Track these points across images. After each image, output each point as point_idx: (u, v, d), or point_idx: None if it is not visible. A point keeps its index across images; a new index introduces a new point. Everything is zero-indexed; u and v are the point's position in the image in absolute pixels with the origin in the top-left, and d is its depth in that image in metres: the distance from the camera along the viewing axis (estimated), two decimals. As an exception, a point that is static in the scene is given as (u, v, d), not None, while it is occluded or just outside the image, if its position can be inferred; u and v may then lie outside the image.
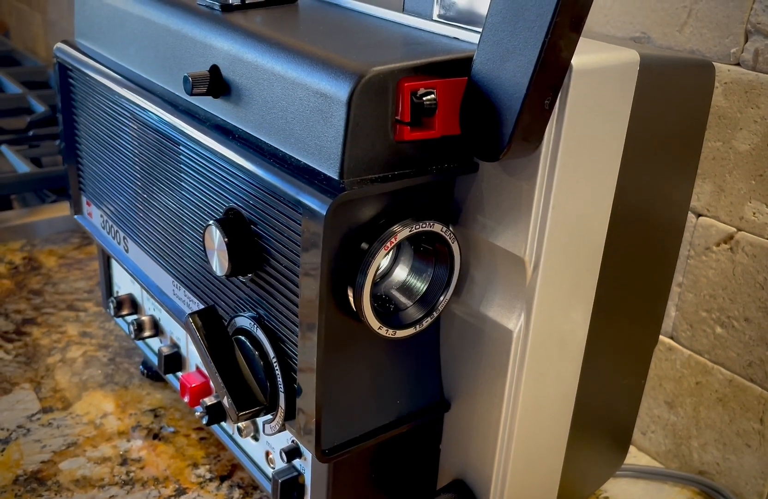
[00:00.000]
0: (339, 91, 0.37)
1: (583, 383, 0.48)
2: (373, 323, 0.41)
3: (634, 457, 0.65)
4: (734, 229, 0.56)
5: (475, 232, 0.43)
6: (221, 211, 0.47)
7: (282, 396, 0.44)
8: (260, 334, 0.45)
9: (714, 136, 0.55)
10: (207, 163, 0.48)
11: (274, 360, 0.44)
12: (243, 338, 0.46)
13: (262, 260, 0.44)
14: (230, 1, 0.50)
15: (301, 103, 0.40)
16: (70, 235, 1.05)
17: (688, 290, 0.59)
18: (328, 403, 0.42)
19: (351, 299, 0.41)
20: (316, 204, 0.37)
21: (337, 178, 0.38)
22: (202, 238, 0.46)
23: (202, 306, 0.53)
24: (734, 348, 0.57)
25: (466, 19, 0.43)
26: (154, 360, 0.69)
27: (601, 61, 0.38)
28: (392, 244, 0.40)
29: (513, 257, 0.41)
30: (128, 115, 0.56)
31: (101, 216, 0.67)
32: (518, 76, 0.35)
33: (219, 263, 0.45)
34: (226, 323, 0.48)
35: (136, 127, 0.56)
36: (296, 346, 0.42)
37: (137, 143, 0.56)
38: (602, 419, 0.54)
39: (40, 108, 1.33)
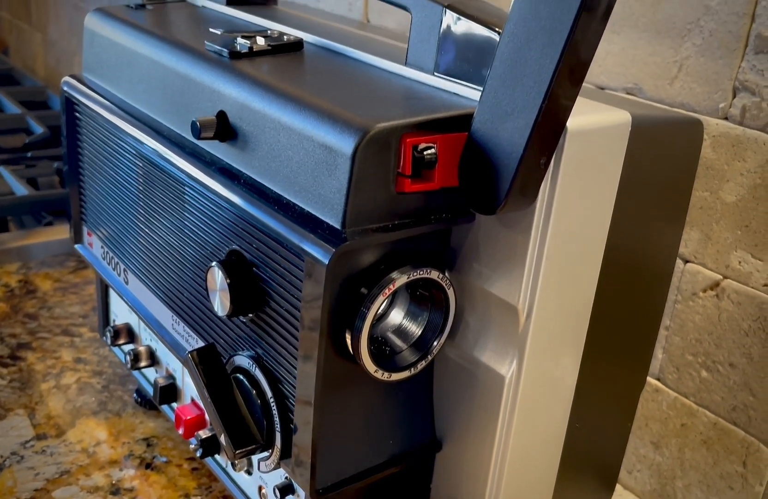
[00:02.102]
0: (344, 145, 0.39)
1: (571, 425, 0.49)
2: (370, 366, 0.42)
3: (620, 495, 0.67)
4: (720, 277, 0.57)
5: (470, 279, 0.45)
6: (223, 252, 0.48)
7: (278, 435, 0.45)
8: (258, 374, 0.46)
9: (702, 186, 0.57)
10: (211, 205, 0.49)
11: (272, 400, 0.45)
12: (241, 376, 0.47)
13: (262, 301, 0.45)
14: (238, 49, 0.51)
15: (306, 153, 0.41)
16: (66, 258, 1.06)
17: (675, 333, 0.61)
18: (324, 443, 0.43)
19: (349, 343, 0.42)
20: (319, 253, 0.38)
21: (339, 228, 0.39)
22: (205, 278, 0.47)
23: (200, 342, 0.54)
24: (719, 392, 0.59)
25: (466, 75, 0.44)
26: (149, 389, 0.70)
27: (594, 123, 0.40)
28: (390, 291, 0.41)
29: (506, 304, 0.43)
30: (134, 152, 0.58)
31: (102, 247, 0.68)
32: (515, 138, 0.36)
33: (221, 303, 0.46)
34: (224, 361, 0.49)
35: (141, 165, 0.57)
36: (293, 387, 0.44)
37: (142, 180, 0.57)
38: (590, 459, 0.55)
39: (38, 129, 1.34)
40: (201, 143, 0.50)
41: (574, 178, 0.40)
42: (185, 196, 0.52)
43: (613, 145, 0.42)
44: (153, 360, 0.68)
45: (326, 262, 0.38)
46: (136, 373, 0.72)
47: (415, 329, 0.45)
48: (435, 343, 0.45)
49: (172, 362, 0.65)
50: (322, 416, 0.42)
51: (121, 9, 0.66)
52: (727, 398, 0.58)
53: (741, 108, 0.55)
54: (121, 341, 0.72)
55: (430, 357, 0.45)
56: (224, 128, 0.48)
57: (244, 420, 0.46)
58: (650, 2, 0.59)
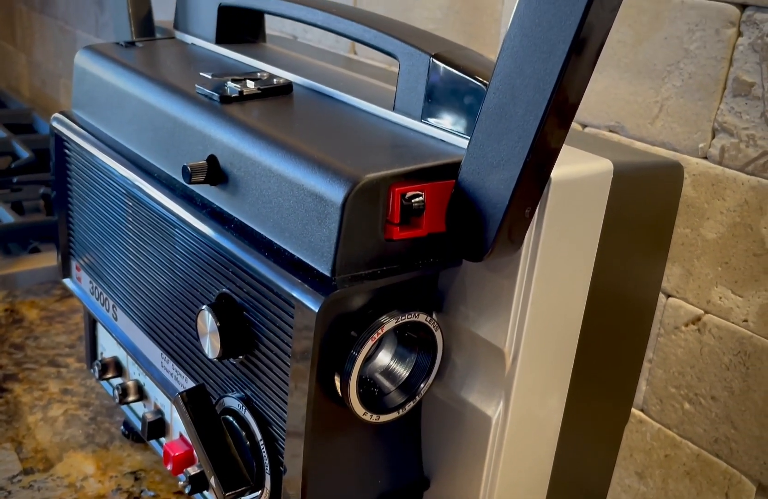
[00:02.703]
0: (334, 194, 0.39)
1: (557, 461, 0.50)
2: (359, 409, 0.43)
3: (607, 525, 0.67)
4: (702, 312, 0.59)
5: (457, 321, 0.46)
6: (213, 294, 0.49)
7: (268, 477, 0.45)
8: (248, 416, 0.46)
9: (683, 223, 0.59)
10: (202, 248, 0.49)
11: (261, 442, 0.45)
12: (231, 418, 0.47)
13: (252, 344, 0.46)
14: (229, 93, 0.52)
15: (296, 201, 0.42)
16: (52, 286, 1.06)
17: (658, 366, 0.62)
18: (313, 485, 0.44)
19: (338, 386, 0.42)
20: (309, 301, 0.39)
21: (329, 275, 0.40)
22: (195, 321, 0.48)
23: (190, 381, 0.54)
24: (701, 424, 0.60)
25: (453, 123, 0.45)
26: (136, 422, 0.70)
27: (577, 173, 0.41)
28: (379, 335, 0.42)
29: (493, 347, 0.43)
30: (125, 191, 0.58)
31: (91, 282, 0.68)
32: (501, 189, 0.37)
33: (211, 346, 0.47)
34: (214, 402, 0.50)
35: (131, 204, 0.57)
36: (283, 429, 0.44)
37: (132, 218, 0.58)
38: (576, 493, 0.56)
39: (24, 153, 1.33)
40: (192, 186, 0.51)
41: (558, 226, 0.41)
42: (175, 237, 0.52)
43: (596, 193, 0.43)
44: (141, 395, 0.68)
45: (316, 309, 0.38)
46: (124, 407, 0.72)
47: (403, 371, 0.46)
48: (422, 385, 0.45)
49: (160, 397, 0.66)
50: (311, 458, 0.43)
51: (111, 47, 0.67)
52: (709, 430, 0.59)
53: (720, 148, 0.56)
54: (109, 375, 0.72)
55: (417, 398, 0.46)
56: (215, 173, 0.48)
57: (234, 461, 0.46)
58: (631, 44, 0.60)
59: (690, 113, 0.58)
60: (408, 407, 0.45)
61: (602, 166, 0.43)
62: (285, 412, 0.43)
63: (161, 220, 0.54)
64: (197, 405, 0.48)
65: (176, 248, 0.52)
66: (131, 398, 0.68)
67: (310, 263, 0.41)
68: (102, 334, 0.74)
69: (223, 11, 0.66)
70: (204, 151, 0.50)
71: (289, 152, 0.43)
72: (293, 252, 0.43)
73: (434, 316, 0.45)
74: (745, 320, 0.56)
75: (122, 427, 0.77)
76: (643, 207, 0.48)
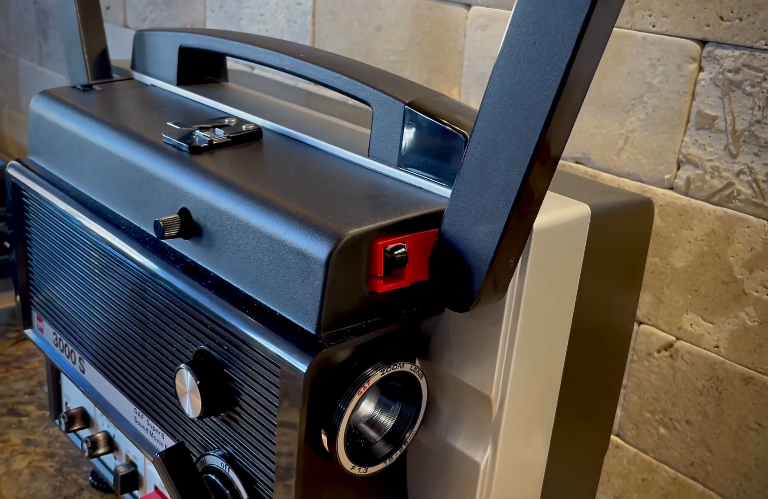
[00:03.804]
0: (317, 252, 0.39)
1: (544, 494, 0.51)
2: (347, 464, 0.42)
3: (587, 550, 0.68)
4: (673, 338, 0.60)
5: (441, 367, 0.46)
6: (190, 350, 0.48)
7: (257, 538, 0.44)
8: (232, 474, 0.45)
9: (652, 252, 0.60)
10: (177, 304, 0.48)
11: (249, 502, 0.44)
12: (214, 477, 0.46)
13: (233, 401, 0.45)
14: (198, 143, 0.51)
15: (277, 257, 0.41)
16: (7, 329, 1.02)
17: (632, 391, 0.63)
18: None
19: (325, 442, 0.42)
20: (297, 361, 0.38)
21: (314, 333, 0.40)
22: (173, 379, 0.47)
23: (166, 436, 0.53)
24: (677, 448, 0.61)
25: (430, 170, 0.45)
26: (105, 473, 0.68)
27: (557, 219, 0.42)
28: (365, 389, 0.42)
29: (479, 394, 0.43)
30: (89, 243, 0.56)
31: (54, 333, 0.66)
32: (486, 242, 0.38)
33: (191, 405, 0.46)
34: (195, 460, 0.48)
35: (97, 256, 0.56)
36: (270, 488, 0.43)
37: (99, 271, 0.56)
38: (560, 526, 0.56)
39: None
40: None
41: (541, 272, 0.42)
42: (147, 291, 0.51)
43: (575, 238, 0.43)
44: (111, 446, 0.67)
45: (304, 370, 0.38)
46: (94, 460, 0.70)
47: (388, 420, 0.46)
48: (408, 434, 0.45)
49: (131, 449, 0.64)
50: (302, 518, 0.42)
51: (68, 91, 0.65)
52: (685, 453, 0.60)
53: (686, 179, 0.57)
54: (76, 427, 0.70)
55: (404, 447, 0.45)
56: (188, 226, 0.47)
57: (220, 522, 0.45)
58: (595, 78, 0.61)
59: (655, 145, 0.59)
60: (395, 456, 0.45)
61: (580, 210, 0.43)
62: (271, 469, 0.43)
63: (131, 274, 0.52)
64: (177, 465, 0.47)
65: (148, 303, 0.51)
66: (101, 450, 0.66)
67: (294, 321, 0.41)
68: (66, 383, 0.72)
69: (184, 53, 0.65)
70: (175, 203, 0.48)
71: (267, 207, 0.43)
72: (275, 309, 0.42)
73: (417, 363, 0.45)
74: (717, 346, 0.57)
75: (90, 477, 0.75)
76: (618, 243, 0.49)
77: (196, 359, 0.47)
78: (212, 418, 0.47)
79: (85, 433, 0.71)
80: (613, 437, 0.65)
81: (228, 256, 0.45)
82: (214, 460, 0.47)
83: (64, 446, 0.80)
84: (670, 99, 0.58)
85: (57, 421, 0.74)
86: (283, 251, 0.41)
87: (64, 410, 0.72)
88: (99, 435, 0.66)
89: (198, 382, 0.45)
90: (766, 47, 0.52)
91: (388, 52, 0.80)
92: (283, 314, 0.42)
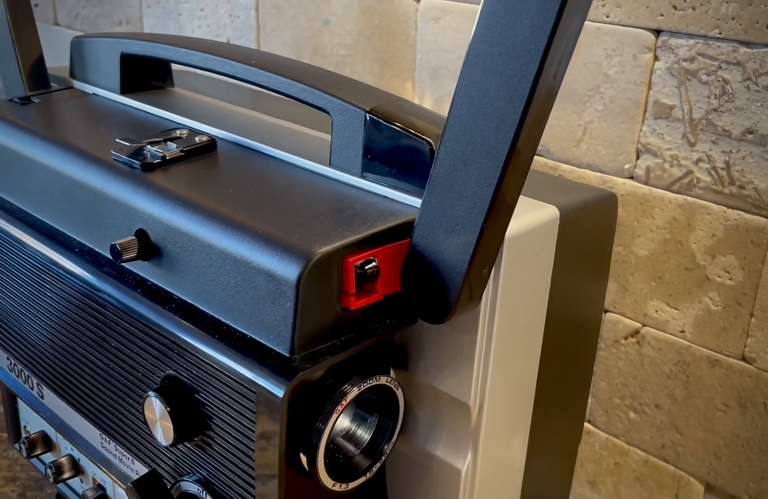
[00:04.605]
0: (286, 273, 0.38)
1: (524, 493, 0.51)
2: (327, 482, 0.42)
3: (562, 535, 0.69)
4: (639, 325, 0.61)
5: (416, 376, 0.45)
6: (156, 376, 0.46)
7: (239, 564, 0.43)
8: (210, 500, 0.44)
9: (616, 242, 0.60)
10: (139, 331, 0.47)
11: (229, 529, 0.44)
12: (191, 503, 0.45)
13: (206, 426, 0.44)
14: (150, 159, 0.49)
15: (244, 279, 0.40)
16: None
17: (601, 378, 0.64)
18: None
19: (304, 462, 0.41)
20: (273, 387, 0.38)
21: (287, 355, 0.39)
22: (141, 408, 0.45)
23: (136, 461, 0.51)
24: (647, 432, 0.62)
25: (394, 179, 0.45)
26: (72, 497, 0.66)
27: (527, 224, 0.42)
28: (343, 407, 0.41)
29: (458, 402, 0.43)
30: (40, 266, 0.54)
31: (8, 359, 0.64)
32: (459, 253, 0.37)
33: (163, 433, 0.44)
34: (169, 487, 0.47)
35: (50, 280, 0.54)
36: (250, 511, 0.42)
37: (52, 296, 0.54)
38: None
39: None
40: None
41: (514, 278, 0.41)
42: (107, 317, 0.49)
43: (546, 240, 0.43)
44: (77, 470, 0.65)
45: (281, 395, 0.37)
46: (60, 485, 0.68)
47: (365, 434, 0.45)
48: (386, 446, 0.45)
49: (98, 472, 0.62)
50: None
51: (6, 106, 0.61)
52: (655, 436, 0.62)
53: (645, 169, 0.58)
54: (38, 452, 0.68)
55: (383, 459, 0.45)
56: (146, 248, 0.46)
57: (198, 550, 0.44)
58: (553, 70, 0.61)
59: (613, 136, 0.59)
60: (374, 469, 0.44)
61: (549, 213, 0.43)
62: (251, 493, 0.42)
63: (89, 299, 0.50)
64: (151, 493, 0.46)
65: (109, 328, 0.49)
66: (66, 475, 0.64)
67: (266, 343, 0.40)
68: (24, 407, 0.70)
69: (127, 60, 0.62)
70: (130, 224, 0.47)
71: (231, 227, 0.41)
72: (245, 331, 0.41)
73: (392, 374, 0.45)
74: (682, 331, 0.58)
75: (56, 501, 0.73)
76: (585, 239, 0.49)
77: (164, 384, 0.45)
78: (185, 443, 0.46)
79: (47, 457, 0.68)
80: (585, 424, 0.66)
81: (191, 278, 0.43)
82: (190, 485, 0.46)
83: (25, 468, 0.78)
84: (626, 89, 0.58)
85: (17, 446, 0.72)
86: (251, 273, 0.40)
87: (24, 434, 0.70)
88: (63, 459, 0.64)
89: (168, 409, 0.43)
90: (719, 36, 0.53)
91: (337, 46, 0.78)
92: (254, 337, 0.40)
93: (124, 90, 0.63)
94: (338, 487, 0.42)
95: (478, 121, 0.35)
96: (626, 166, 0.59)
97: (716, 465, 0.59)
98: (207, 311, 0.43)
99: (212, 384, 0.42)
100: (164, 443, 0.44)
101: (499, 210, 0.36)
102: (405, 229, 0.41)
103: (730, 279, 0.55)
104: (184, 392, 0.44)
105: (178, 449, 0.47)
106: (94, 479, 0.63)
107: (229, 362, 0.40)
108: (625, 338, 0.62)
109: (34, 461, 0.70)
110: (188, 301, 0.44)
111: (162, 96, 0.65)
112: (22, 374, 0.62)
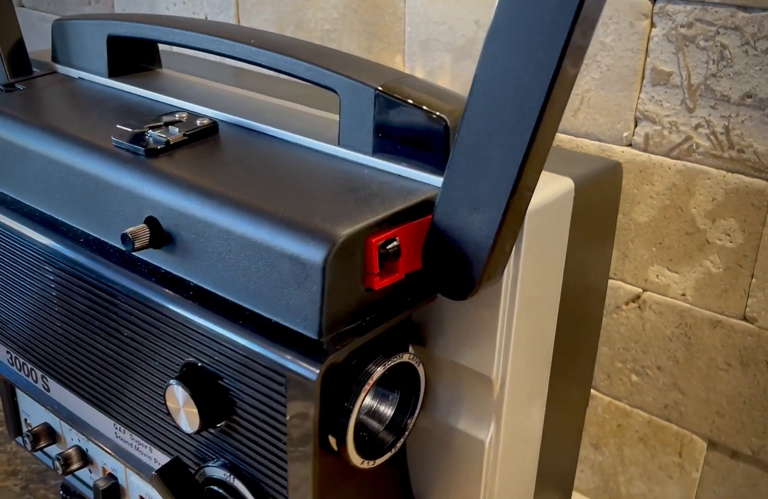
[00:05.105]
0: (312, 256, 0.38)
1: (541, 460, 0.52)
2: (356, 460, 0.42)
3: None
4: (640, 290, 0.62)
5: (435, 352, 0.46)
6: (175, 364, 0.46)
7: (270, 545, 0.44)
8: (239, 484, 0.45)
9: (615, 209, 0.61)
10: (156, 320, 0.46)
11: (257, 510, 0.44)
12: (217, 488, 0.46)
13: (231, 411, 0.44)
14: (153, 145, 0.48)
15: (266, 264, 0.40)
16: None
17: (603, 344, 0.65)
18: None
19: (333, 444, 0.42)
20: (305, 371, 0.38)
21: (315, 338, 0.39)
22: (163, 397, 0.45)
23: (154, 449, 0.51)
24: (650, 393, 0.64)
25: (408, 156, 0.45)
26: (81, 488, 0.66)
27: (546, 198, 0.42)
28: (370, 386, 0.41)
29: (480, 375, 0.44)
30: (43, 258, 0.53)
31: (8, 352, 0.63)
32: (484, 230, 0.38)
33: (188, 421, 0.44)
34: (193, 473, 0.47)
35: (54, 272, 0.53)
36: (281, 492, 0.43)
37: (57, 288, 0.53)
38: (553, 479, 0.58)
39: None
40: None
41: (534, 251, 0.42)
42: (119, 307, 0.49)
43: (563, 212, 0.44)
44: (85, 460, 0.64)
45: (314, 378, 0.37)
46: (68, 477, 0.68)
47: (388, 410, 0.46)
48: (409, 420, 0.45)
49: (108, 461, 0.62)
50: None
51: (-11, 94, 0.60)
52: (658, 398, 0.63)
53: (644, 136, 0.59)
54: (43, 444, 0.67)
55: (407, 434, 0.46)
56: (158, 235, 0.45)
57: (227, 533, 0.45)
58: (550, 41, 0.62)
59: (611, 104, 0.60)
60: (399, 444, 0.45)
61: (565, 185, 0.44)
62: (281, 475, 0.42)
63: (98, 290, 0.50)
64: (176, 480, 0.46)
65: (122, 318, 0.49)
66: (75, 466, 0.64)
67: (292, 327, 0.40)
68: (24, 400, 0.69)
69: (114, 42, 0.61)
70: (139, 212, 0.46)
71: (250, 213, 0.41)
72: (269, 316, 0.41)
73: (411, 350, 0.45)
74: (683, 294, 0.60)
75: (61, 491, 0.73)
76: (595, 210, 0.50)
77: (186, 372, 0.45)
78: (209, 430, 0.46)
79: (52, 450, 0.68)
80: (586, 389, 0.67)
81: (209, 265, 0.43)
82: (215, 471, 0.46)
83: (26, 461, 0.77)
84: (623, 57, 0.59)
85: (20, 440, 0.71)
86: (273, 258, 0.40)
87: (27, 428, 0.69)
88: (70, 451, 0.64)
89: (193, 397, 0.43)
90: (717, 1, 0.54)
91: (321, 20, 0.78)
92: (278, 321, 0.41)
93: (112, 73, 0.62)
94: (366, 464, 0.43)
95: (502, 96, 0.35)
96: (624, 134, 0.60)
97: (719, 422, 0.61)
98: (226, 297, 0.43)
99: (237, 369, 0.42)
100: (189, 431, 0.44)
101: (524, 186, 0.37)
102: (424, 207, 0.42)
103: (730, 242, 0.57)
104: (207, 379, 0.44)
105: (201, 435, 0.47)
106: (104, 469, 0.63)
107: (257, 348, 0.40)
108: (626, 304, 0.63)
109: (38, 454, 0.70)
110: (206, 287, 0.44)
111: (152, 78, 0.64)
112: (24, 367, 0.62)
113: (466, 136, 0.37)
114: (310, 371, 0.38)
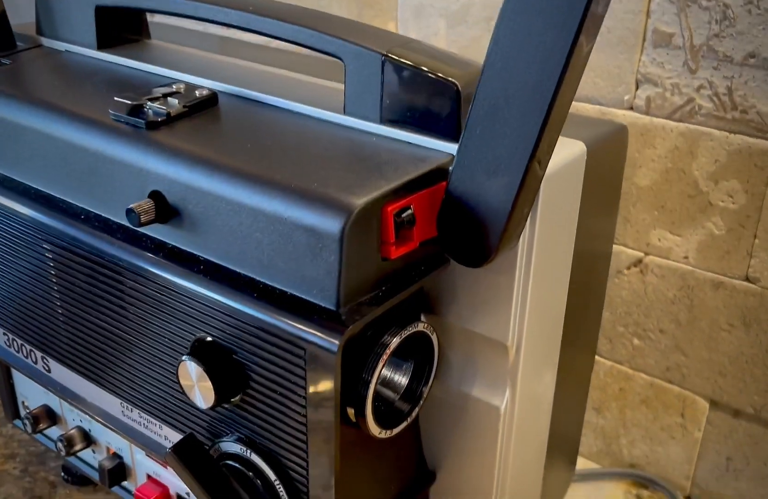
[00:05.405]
0: (329, 227, 0.38)
1: (552, 426, 0.53)
2: (375, 430, 0.42)
3: (569, 461, 0.72)
4: (642, 254, 0.62)
5: (448, 320, 0.46)
6: (186, 340, 0.45)
7: (290, 514, 0.44)
8: (256, 458, 0.44)
9: (616, 173, 0.62)
10: (164, 295, 0.46)
11: (277, 482, 0.44)
12: (233, 462, 0.45)
13: (246, 385, 0.44)
14: (154, 117, 0.47)
15: (280, 236, 0.40)
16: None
17: (604, 308, 0.66)
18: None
19: (352, 415, 0.42)
20: (326, 343, 0.37)
21: (334, 309, 0.39)
22: (176, 375, 0.45)
23: (164, 426, 0.51)
24: (652, 356, 0.64)
25: (417, 123, 0.44)
26: (86, 469, 0.65)
27: (561, 162, 0.42)
28: (387, 356, 0.41)
29: (495, 342, 0.44)
30: (41, 237, 0.52)
31: (5, 334, 0.62)
32: (503, 195, 0.37)
33: (202, 396, 0.44)
34: (208, 448, 0.47)
35: (53, 251, 0.52)
36: (300, 465, 0.43)
37: (57, 267, 0.52)
38: (562, 444, 0.59)
39: None
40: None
41: (550, 216, 0.42)
42: (125, 284, 0.48)
43: (576, 176, 0.44)
44: (88, 441, 0.64)
45: (335, 349, 0.37)
46: (71, 458, 0.67)
47: (402, 379, 0.46)
48: (424, 388, 0.45)
49: (113, 440, 0.62)
50: (341, 488, 0.42)
51: (-25, 70, 0.58)
52: (660, 360, 0.64)
53: (645, 99, 0.59)
54: (43, 426, 0.66)
55: (422, 402, 0.46)
56: (163, 209, 0.45)
57: (245, 506, 0.44)
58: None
59: (612, 66, 0.60)
60: (414, 413, 0.45)
61: (578, 149, 0.44)
62: (299, 446, 0.42)
63: (101, 267, 0.49)
64: (191, 457, 0.45)
65: (128, 295, 0.48)
66: (78, 447, 0.64)
67: (309, 299, 0.40)
68: (21, 382, 0.68)
69: (102, 12, 0.60)
70: (142, 187, 0.45)
71: (262, 184, 0.41)
72: (283, 288, 0.41)
73: (423, 318, 0.45)
74: (686, 257, 0.60)
75: (62, 473, 0.72)
76: (603, 173, 0.50)
77: (197, 347, 0.45)
78: (223, 405, 0.46)
79: (52, 431, 0.67)
80: (591, 354, 0.68)
81: (219, 238, 0.43)
82: (231, 446, 0.45)
83: (23, 444, 0.76)
84: (624, 19, 0.58)
85: (19, 423, 0.71)
86: (288, 229, 0.39)
87: (26, 411, 0.68)
88: (73, 432, 0.63)
89: (207, 372, 0.43)
90: (719, -38, 0.53)
91: (310, -13, 0.76)
92: (294, 293, 0.40)
93: (101, 45, 0.61)
94: (384, 434, 0.43)
95: (522, 57, 0.35)
96: (626, 98, 0.60)
97: (721, 382, 0.62)
98: (239, 270, 0.42)
99: (252, 343, 0.42)
100: (204, 407, 0.44)
101: (543, 148, 0.37)
102: (437, 174, 0.41)
103: (733, 203, 0.57)
104: (221, 354, 0.44)
105: (214, 411, 0.46)
106: (108, 448, 0.62)
107: (274, 321, 0.40)
108: (628, 268, 0.63)
109: (38, 436, 0.69)
110: (216, 262, 0.43)
111: (141, 49, 0.62)
112: (23, 348, 0.61)
113: (484, 100, 0.37)
114: (331, 342, 0.37)
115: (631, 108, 0.60)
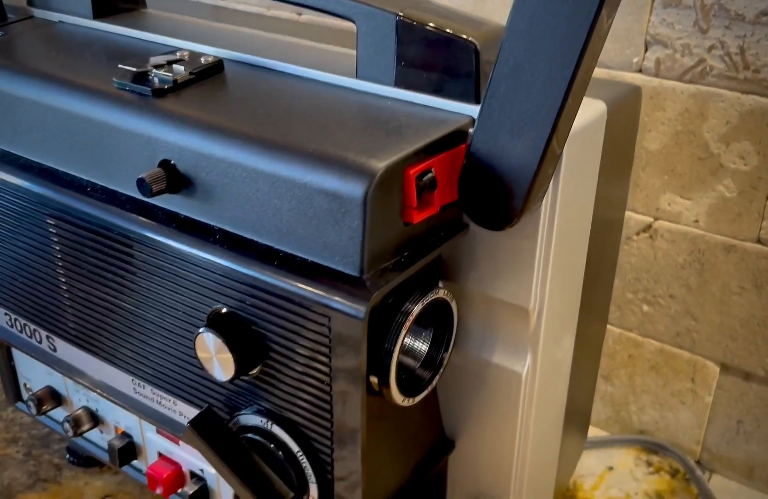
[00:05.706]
0: (351, 191, 0.37)
1: (569, 392, 0.53)
2: (398, 398, 0.42)
3: (579, 429, 0.72)
4: (651, 219, 0.62)
5: (467, 285, 0.45)
6: (201, 313, 0.45)
7: (313, 485, 0.43)
8: (277, 429, 0.44)
9: (626, 138, 0.61)
10: (178, 267, 0.45)
11: (300, 453, 0.43)
12: (253, 435, 0.45)
13: (266, 355, 0.43)
14: (160, 85, 0.46)
15: (300, 201, 0.39)
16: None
17: (613, 275, 0.65)
18: (369, 481, 0.43)
19: (375, 384, 0.41)
20: (351, 310, 0.37)
21: (357, 275, 0.38)
22: (193, 348, 0.44)
23: (179, 402, 0.50)
24: (662, 322, 0.64)
25: (432, 85, 0.44)
26: (93, 450, 0.65)
27: (584, 122, 0.41)
28: (410, 323, 0.41)
29: (516, 307, 0.44)
30: (42, 212, 0.50)
31: (6, 314, 0.60)
32: (528, 155, 0.37)
33: (222, 368, 0.43)
34: (227, 422, 0.46)
35: (55, 225, 0.50)
36: (323, 435, 0.42)
37: (64, 244, 0.51)
38: (576, 411, 0.59)
39: None
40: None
41: (572, 177, 0.42)
42: (135, 258, 0.47)
43: (597, 136, 0.44)
44: (96, 421, 0.63)
45: (362, 316, 0.37)
46: (77, 439, 0.66)
47: (422, 346, 0.45)
48: (444, 355, 0.45)
49: (122, 419, 0.61)
50: (366, 457, 0.41)
51: (-31, 43, 0.57)
52: (670, 326, 0.64)
53: (655, 61, 0.58)
54: (47, 408, 0.65)
55: (442, 370, 0.45)
56: (174, 179, 0.44)
57: (268, 478, 0.44)
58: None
59: (620, 28, 0.59)
60: (435, 380, 0.45)
61: (599, 108, 0.43)
62: (323, 416, 0.41)
63: (110, 240, 0.48)
64: (210, 430, 0.45)
65: (139, 269, 0.47)
66: (85, 427, 0.63)
67: (331, 266, 0.39)
68: (22, 364, 0.67)
69: (97, -20, 0.58)
70: (151, 156, 0.44)
71: (280, 150, 0.40)
72: (304, 256, 0.40)
73: (441, 285, 0.45)
74: (696, 221, 0.60)
75: (67, 455, 0.71)
76: (620, 135, 0.50)
77: (215, 319, 0.44)
78: (241, 377, 0.45)
79: (57, 413, 0.66)
80: (602, 321, 0.68)
81: (234, 207, 0.42)
82: (251, 418, 0.45)
83: (25, 427, 0.75)
84: (634, -19, 0.58)
85: (23, 406, 0.69)
86: (308, 195, 0.39)
87: (29, 393, 0.67)
88: (79, 412, 0.62)
89: (227, 345, 0.42)
90: None
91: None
92: (315, 260, 0.39)
93: (97, 14, 0.59)
94: (407, 402, 0.43)
95: (548, 15, 0.34)
96: (635, 60, 0.59)
97: (732, 346, 0.62)
98: (257, 239, 0.42)
99: (272, 312, 0.41)
100: (223, 379, 0.43)
101: (569, 107, 0.36)
102: (457, 136, 0.41)
103: (745, 165, 0.57)
104: (239, 324, 0.43)
105: (232, 384, 0.46)
106: (116, 428, 0.61)
107: (296, 289, 0.39)
108: (637, 234, 0.63)
109: (42, 418, 0.68)
110: (232, 231, 0.43)
111: (138, 18, 0.61)
112: (26, 328, 0.59)
113: (508, 59, 0.36)
114: (357, 309, 0.37)
115: (640, 71, 0.59)
